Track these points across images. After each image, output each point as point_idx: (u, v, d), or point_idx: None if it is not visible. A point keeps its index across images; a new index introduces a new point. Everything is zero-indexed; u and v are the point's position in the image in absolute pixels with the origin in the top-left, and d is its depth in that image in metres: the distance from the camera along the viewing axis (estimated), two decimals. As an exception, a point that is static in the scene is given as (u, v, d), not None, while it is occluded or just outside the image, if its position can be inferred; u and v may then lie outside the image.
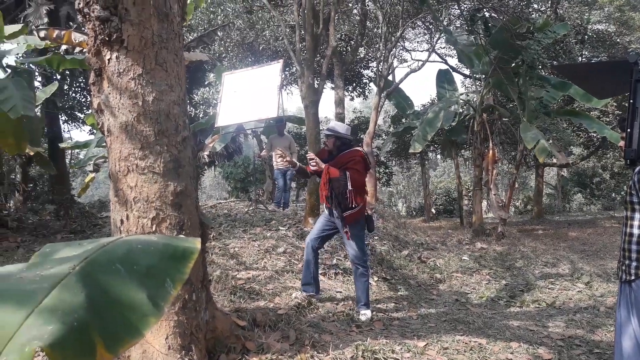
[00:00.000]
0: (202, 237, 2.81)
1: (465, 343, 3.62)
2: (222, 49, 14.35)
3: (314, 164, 4.28)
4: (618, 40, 17.69)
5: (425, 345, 3.54)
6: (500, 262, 7.69)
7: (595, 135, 16.05)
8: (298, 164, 4.48)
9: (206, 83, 15.32)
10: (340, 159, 4.33)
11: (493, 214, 12.41)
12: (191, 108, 15.03)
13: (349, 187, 4.14)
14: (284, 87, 17.14)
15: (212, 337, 2.79)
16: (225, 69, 11.67)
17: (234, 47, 14.40)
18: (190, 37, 13.22)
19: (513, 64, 10.60)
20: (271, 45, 14.20)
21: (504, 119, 12.69)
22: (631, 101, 0.98)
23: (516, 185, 19.65)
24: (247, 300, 3.97)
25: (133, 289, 1.08)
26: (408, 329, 4.04)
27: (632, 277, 2.53)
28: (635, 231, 2.54)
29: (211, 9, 13.80)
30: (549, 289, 6.13)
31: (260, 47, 14.47)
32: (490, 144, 11.07)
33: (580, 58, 17.91)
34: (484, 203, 11.88)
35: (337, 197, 4.22)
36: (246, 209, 8.28)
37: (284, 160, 4.39)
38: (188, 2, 7.02)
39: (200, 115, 14.14)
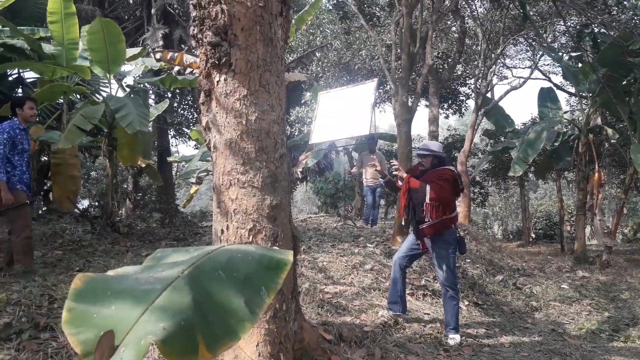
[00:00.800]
0: (294, 249, 2.94)
1: (561, 377, 3.41)
2: (319, 69, 14.78)
3: (396, 167, 4.33)
4: None
5: (517, 375, 3.39)
6: (603, 292, 7.11)
7: None
8: (388, 175, 4.53)
9: (302, 102, 15.85)
10: (429, 175, 4.31)
11: (597, 241, 11.50)
12: (287, 126, 15.60)
13: (427, 200, 4.10)
14: (377, 105, 17.24)
15: (300, 347, 2.89)
16: (321, 89, 12.03)
17: (331, 67, 14.77)
18: (290, 58, 13.80)
19: (624, 82, 9.85)
20: (367, 64, 14.40)
21: (612, 141, 11.77)
22: None
23: (625, 211, 18.03)
24: (334, 315, 4.04)
25: (232, 295, 1.19)
26: (499, 357, 3.89)
27: None
28: None
29: (311, 30, 14.31)
30: (660, 325, 5.57)
31: (356, 67, 14.72)
32: (596, 166, 10.32)
33: None
34: (588, 229, 11.04)
35: (415, 207, 4.21)
36: (335, 224, 8.41)
37: (376, 168, 4.48)
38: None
39: (296, 133, 14.63)
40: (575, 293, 6.90)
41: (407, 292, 4.91)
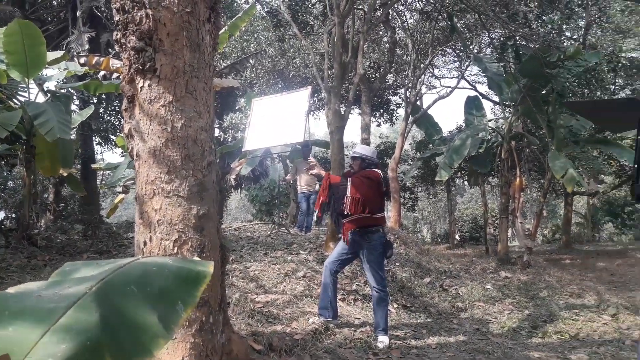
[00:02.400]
0: (222, 260, 2.90)
1: (483, 375, 3.57)
2: (253, 75, 14.72)
3: (314, 164, 4.39)
4: (653, 68, 17.39)
5: (442, 375, 3.51)
6: (524, 291, 7.54)
7: (627, 164, 15.65)
8: (324, 174, 4.54)
9: (236, 108, 15.70)
10: (354, 174, 4.41)
11: (519, 242, 12.20)
12: (220, 132, 15.38)
13: (347, 194, 4.19)
14: (312, 113, 17.38)
15: None
16: (255, 95, 11.96)
17: (265, 74, 14.75)
18: (223, 64, 13.63)
19: (543, 92, 10.54)
20: (301, 72, 14.49)
21: (532, 147, 12.56)
22: (638, 137, 1.02)
23: (544, 214, 19.24)
24: (265, 324, 4.01)
25: (145, 310, 1.15)
26: (426, 358, 4.02)
27: None
28: None
29: (245, 37, 14.21)
30: (573, 320, 5.98)
31: (290, 74, 14.78)
32: (518, 172, 10.95)
33: (612, 86, 17.63)
34: (510, 231, 11.68)
35: (335, 202, 4.27)
36: (269, 232, 8.37)
37: (311, 171, 4.50)
38: (222, 31, 7.28)
39: (229, 140, 14.45)
40: (498, 293, 7.26)
41: (339, 297, 4.97)
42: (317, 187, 9.68)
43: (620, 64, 16.76)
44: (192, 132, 2.71)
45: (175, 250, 2.59)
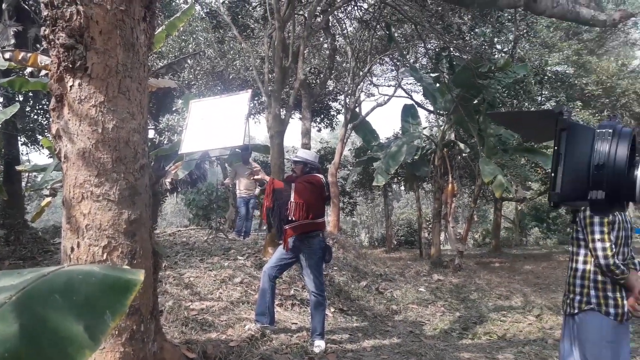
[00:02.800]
0: (155, 266, 2.82)
1: (415, 375, 3.68)
2: (191, 76, 14.41)
3: (257, 169, 4.38)
4: (575, 82, 18.66)
5: (376, 377, 3.59)
6: (455, 294, 7.85)
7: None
8: (267, 179, 4.52)
9: (173, 110, 15.30)
10: (297, 179, 4.44)
11: (451, 246, 12.68)
12: (156, 134, 14.92)
13: (291, 199, 4.20)
14: (252, 116, 17.25)
15: (160, 368, 2.77)
16: (193, 97, 11.71)
17: (204, 75, 14.49)
18: (160, 64, 13.25)
19: (475, 102, 11.03)
20: (241, 74, 14.36)
21: (464, 154, 13.11)
22: (556, 148, 1.09)
23: (475, 219, 20.09)
24: (199, 332, 3.93)
25: (70, 320, 1.10)
26: (360, 361, 4.09)
27: (576, 311, 2.67)
28: (580, 266, 2.70)
29: (183, 37, 13.91)
30: (500, 321, 6.29)
31: (230, 76, 14.61)
32: (450, 178, 11.40)
33: (539, 98, 18.74)
34: (443, 235, 12.12)
35: (279, 207, 4.27)
36: (205, 238, 8.21)
37: (255, 176, 4.45)
38: (158, 30, 7.09)
39: (165, 142, 14.04)
40: (431, 295, 7.51)
41: (276, 302, 4.96)
42: (256, 191, 9.60)
43: (546, 77, 17.86)
44: (125, 133, 2.62)
45: (104, 257, 2.49)
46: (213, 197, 13.64)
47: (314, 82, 15.16)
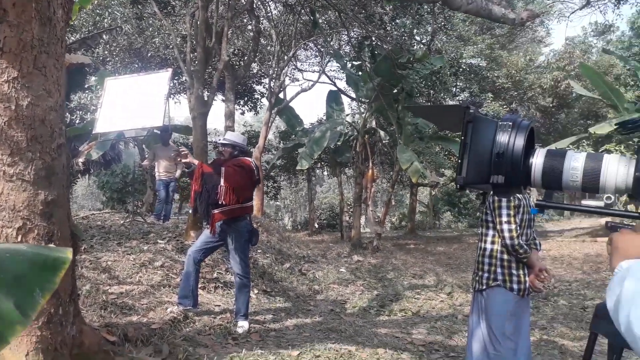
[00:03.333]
0: (73, 249, 2.73)
1: (336, 350, 3.85)
2: (106, 52, 13.65)
3: (185, 152, 4.24)
4: (488, 74, 19.82)
5: (299, 354, 3.72)
6: (373, 273, 8.20)
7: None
8: (196, 163, 4.28)
9: (86, 87, 14.43)
10: (226, 163, 4.35)
11: (370, 229, 13.16)
12: (67, 113, 14.03)
13: (221, 183, 4.12)
14: (172, 96, 16.69)
15: (79, 352, 2.70)
16: (109, 74, 11.16)
17: (120, 52, 13.77)
18: (72, 38, 12.42)
19: (394, 91, 11.43)
20: (160, 52, 13.81)
21: (384, 142, 13.58)
22: (462, 138, 1.22)
23: (392, 203, 20.89)
24: (119, 315, 3.85)
25: (0, 297, 1.09)
26: (284, 339, 4.20)
27: (484, 287, 2.93)
28: (488, 246, 2.96)
29: (98, 11, 13.10)
30: (415, 298, 6.68)
31: (149, 54, 14.01)
32: (370, 164, 11.78)
33: (454, 89, 19.73)
34: (363, 218, 12.56)
35: (208, 191, 4.20)
36: (122, 221, 7.93)
37: (183, 159, 4.27)
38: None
39: (77, 121, 13.26)
40: (351, 275, 7.79)
41: (199, 285, 4.94)
42: (177, 174, 9.37)
43: (460, 69, 18.82)
44: (40, 111, 2.49)
45: (19, 239, 2.38)
46: (128, 180, 13.13)
47: (238, 64, 14.93)
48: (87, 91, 14.16)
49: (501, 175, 1.16)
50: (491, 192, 2.76)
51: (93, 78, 14.29)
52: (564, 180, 1.14)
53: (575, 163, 1.13)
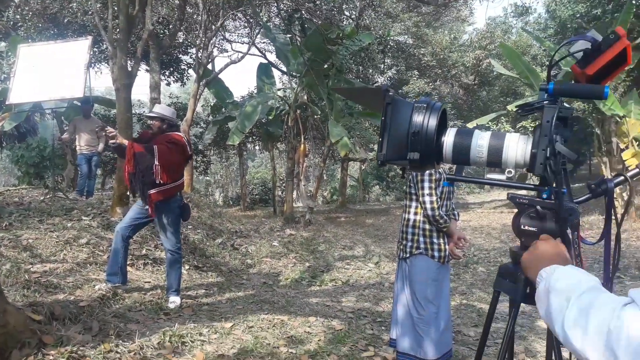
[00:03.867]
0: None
1: (269, 321, 3.94)
2: (18, 17, 12.61)
3: (112, 135, 4.05)
4: (414, 52, 20.31)
5: (232, 325, 3.77)
6: (306, 246, 8.36)
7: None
8: (126, 144, 4.09)
9: (-6, 53, 13.31)
10: (157, 139, 4.23)
11: (302, 203, 13.30)
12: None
13: (155, 162, 4.01)
14: (92, 65, 15.76)
15: (3, 332, 2.59)
16: (21, 40, 10.37)
17: (33, 17, 12.76)
18: (-25, -2, 11.34)
19: (325, 66, 11.46)
20: (79, 19, 12.95)
21: (315, 116, 13.65)
22: (383, 118, 1.32)
23: (324, 178, 21.17)
24: (44, 294, 3.70)
25: None
26: (216, 313, 4.23)
27: (407, 255, 3.11)
28: (411, 217, 3.13)
29: (5, -32, 12.01)
30: (345, 269, 6.91)
31: (65, 20, 13.10)
32: (302, 139, 11.85)
33: (382, 65, 20.08)
34: (295, 193, 12.66)
35: (142, 171, 4.06)
36: (42, 197, 7.52)
37: (111, 141, 4.05)
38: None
39: (-16, 90, 12.22)
40: (283, 249, 7.90)
41: (128, 262, 4.83)
42: (99, 147, 8.94)
43: (388, 46, 19.16)
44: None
45: None
46: (46, 154, 12.36)
47: (162, 32, 14.32)
48: (-6, 58, 13.08)
49: (417, 152, 1.26)
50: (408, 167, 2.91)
51: (2, 44, 13.21)
52: (472, 156, 1.27)
53: (481, 141, 1.26)
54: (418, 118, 1.26)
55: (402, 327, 3.12)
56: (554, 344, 1.35)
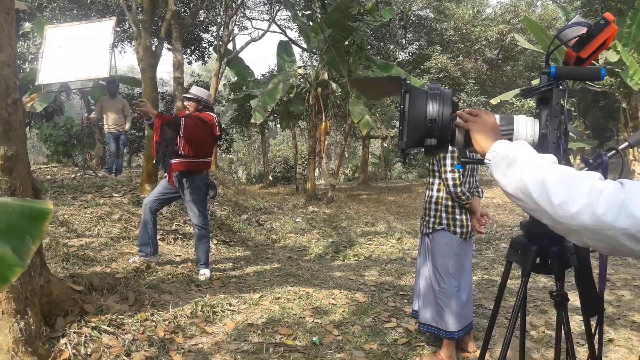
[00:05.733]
0: (36, 202, 2.76)
1: (295, 292, 4.09)
2: (43, -2, 12.83)
3: (144, 104, 4.21)
4: (436, 26, 19.95)
5: (260, 297, 3.93)
6: (328, 223, 8.50)
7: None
8: (154, 113, 4.22)
9: (20, 34, 13.56)
10: (188, 115, 4.39)
11: (324, 181, 13.41)
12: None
13: (181, 133, 4.17)
14: (116, 45, 15.96)
15: (48, 301, 2.79)
16: (46, 22, 10.55)
17: (57, -3, 12.97)
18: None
19: (346, 43, 11.39)
20: (101, -1, 13.10)
21: (336, 94, 13.64)
22: (402, 107, 1.38)
23: (345, 155, 21.19)
24: (82, 267, 3.91)
25: (-1, 245, 1.18)
26: (245, 285, 4.40)
27: (430, 230, 3.18)
28: (434, 194, 3.20)
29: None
30: (367, 244, 7.03)
31: (89, 0, 13.25)
32: (323, 117, 11.88)
33: (403, 41, 19.81)
34: (317, 171, 12.77)
35: (167, 141, 4.24)
36: (73, 175, 7.77)
37: (141, 107, 4.21)
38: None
39: (15, 71, 12.48)
40: (307, 225, 8.04)
41: (158, 237, 5.02)
42: (126, 126, 9.17)
43: (410, 21, 18.86)
44: (-7, 67, 2.46)
45: (-18, 194, 2.40)
46: (73, 133, 12.65)
47: (184, 11, 14.38)
48: (21, 39, 13.34)
49: (434, 138, 1.33)
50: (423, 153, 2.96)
51: (27, 24, 13.43)
52: None
53: None
54: (434, 105, 1.32)
55: (425, 300, 3.22)
56: (563, 317, 1.44)
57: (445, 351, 3.08)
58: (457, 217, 3.15)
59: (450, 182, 3.08)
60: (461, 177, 3.11)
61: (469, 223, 3.17)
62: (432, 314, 3.16)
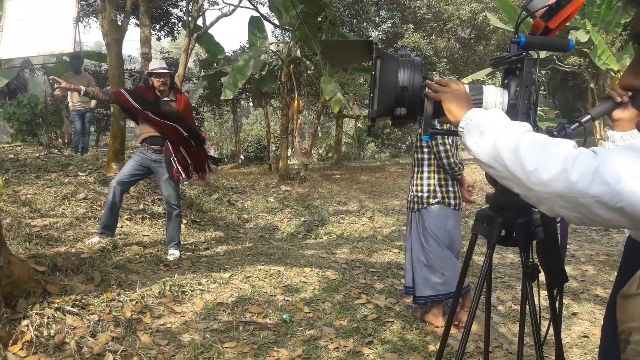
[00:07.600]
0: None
1: (266, 271, 4.07)
2: (0, -33, 12.19)
3: (59, 83, 4.12)
4: (410, 4, 19.84)
5: (230, 275, 3.90)
6: (301, 202, 8.48)
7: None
8: (83, 88, 4.24)
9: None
10: (180, 103, 4.42)
11: (297, 160, 13.34)
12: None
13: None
14: (81, 20, 15.38)
15: (9, 282, 2.69)
16: (6, -7, 10.05)
17: (17, -33, 12.34)
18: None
19: (318, 19, 11.22)
20: (64, -31, 12.52)
21: (309, 72, 13.48)
22: (373, 73, 1.29)
23: (319, 135, 21.12)
24: (46, 247, 3.79)
25: None
26: (215, 264, 4.35)
27: (425, 205, 3.22)
28: (426, 168, 3.27)
29: None
30: (339, 223, 7.05)
31: (51, -29, 12.66)
32: (296, 95, 11.75)
33: (377, 19, 19.65)
34: (290, 150, 12.68)
35: (188, 131, 4.38)
36: (37, 154, 7.53)
37: (59, 86, 4.07)
38: None
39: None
40: (279, 204, 8.01)
41: (126, 216, 4.91)
42: (92, 104, 8.88)
43: (383, -1, 18.68)
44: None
45: None
46: (37, 111, 12.20)
47: (152, -16, 13.90)
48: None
49: (404, 107, 1.25)
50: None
51: (-14, -3, 12.79)
52: None
53: None
54: (405, 73, 1.24)
55: (421, 273, 3.24)
56: (527, 292, 1.45)
57: (436, 311, 3.24)
58: (450, 189, 3.25)
59: (443, 155, 3.14)
60: (451, 149, 3.15)
61: (460, 194, 3.25)
62: (431, 284, 3.23)
